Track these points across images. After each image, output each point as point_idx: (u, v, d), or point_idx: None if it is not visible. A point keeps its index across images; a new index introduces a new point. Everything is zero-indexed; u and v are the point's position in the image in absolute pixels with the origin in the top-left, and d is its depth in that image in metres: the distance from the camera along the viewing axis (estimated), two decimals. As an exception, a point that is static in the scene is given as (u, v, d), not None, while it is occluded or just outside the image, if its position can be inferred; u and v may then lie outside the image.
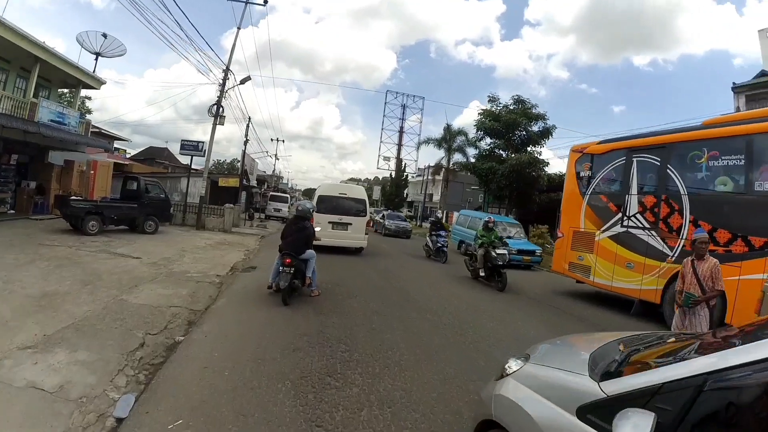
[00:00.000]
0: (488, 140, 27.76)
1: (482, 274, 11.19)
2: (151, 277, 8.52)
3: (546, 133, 27.27)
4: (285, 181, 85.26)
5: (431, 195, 65.85)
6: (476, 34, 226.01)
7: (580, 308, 9.78)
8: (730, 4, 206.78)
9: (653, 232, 8.81)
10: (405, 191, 47.95)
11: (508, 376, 2.49)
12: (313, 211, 9.02)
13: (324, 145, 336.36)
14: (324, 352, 5.12)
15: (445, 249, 15.28)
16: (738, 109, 29.15)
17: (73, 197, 15.16)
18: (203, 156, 18.60)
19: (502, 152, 26.98)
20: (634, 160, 9.48)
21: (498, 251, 10.72)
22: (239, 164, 27.58)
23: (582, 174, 10.80)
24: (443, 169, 36.25)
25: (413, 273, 12.38)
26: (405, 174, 48.91)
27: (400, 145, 56.55)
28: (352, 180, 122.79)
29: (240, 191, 22.41)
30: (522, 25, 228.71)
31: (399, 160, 50.95)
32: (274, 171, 55.33)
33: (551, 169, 27.19)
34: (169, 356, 4.72)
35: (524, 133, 27.10)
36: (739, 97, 29.67)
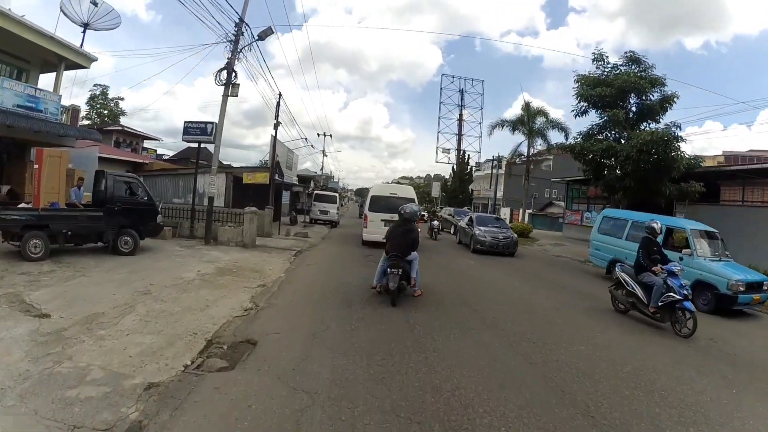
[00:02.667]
0: (592, 114, 20.87)
1: None
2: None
3: (667, 101, 20.14)
4: (336, 180, 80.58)
5: (479, 191, 59.05)
6: (521, 24, 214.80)
7: None
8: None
9: None
10: (470, 186, 41.38)
11: None
12: (419, 213, 8.55)
13: (374, 144, 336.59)
14: None
15: (688, 306, 6.84)
16: None
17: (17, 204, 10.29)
18: (214, 142, 13.27)
19: (612, 129, 20.01)
20: None
21: None
22: (278, 159, 22.07)
23: None
24: (522, 158, 29.64)
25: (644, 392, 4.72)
26: (469, 167, 42.32)
27: (460, 135, 50.03)
28: (404, 178, 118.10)
29: (271, 189, 17.03)
30: (567, 12, 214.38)
31: (461, 152, 44.41)
32: (322, 168, 50.38)
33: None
34: None
35: (640, 102, 20.14)
36: None
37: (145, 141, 36.54)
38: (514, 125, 29.03)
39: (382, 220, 14.59)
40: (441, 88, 51.54)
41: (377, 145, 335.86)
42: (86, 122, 37.88)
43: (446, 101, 51.33)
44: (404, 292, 7.55)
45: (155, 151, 35.82)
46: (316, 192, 27.59)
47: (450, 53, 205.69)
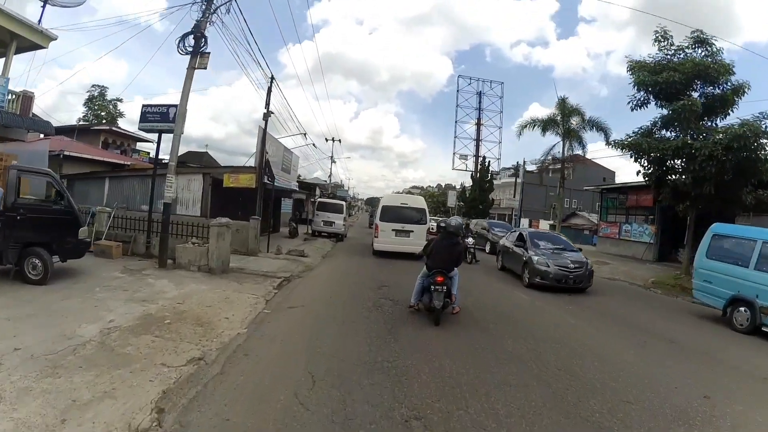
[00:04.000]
0: (652, 105, 17.27)
1: None
2: None
3: (736, 93, 16.54)
4: (346, 188, 77.26)
5: (500, 201, 55.10)
6: (531, 34, 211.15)
7: None
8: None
9: None
10: (491, 195, 37.75)
11: None
12: (463, 227, 8.90)
13: (384, 154, 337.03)
14: None
15: None
16: None
17: None
18: (174, 130, 9.94)
19: (680, 123, 16.35)
20: None
21: None
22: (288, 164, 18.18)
23: None
24: (556, 162, 26.08)
25: None
26: (490, 174, 38.73)
27: (478, 140, 46.61)
28: (414, 188, 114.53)
29: (259, 195, 13.60)
30: (578, 22, 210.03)
31: (482, 158, 40.79)
32: (330, 175, 47.15)
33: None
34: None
35: (710, 91, 16.54)
36: None
37: (138, 143, 33.65)
38: (545, 125, 25.53)
39: (393, 230, 15.01)
40: (457, 91, 48.18)
41: (388, 155, 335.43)
42: (84, 123, 35.18)
43: (463, 104, 47.98)
44: (446, 309, 7.01)
45: (148, 153, 32.75)
46: (319, 200, 23.71)
47: (460, 64, 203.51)
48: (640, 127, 17.01)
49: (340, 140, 45.02)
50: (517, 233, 13.97)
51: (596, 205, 51.57)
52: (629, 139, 16.21)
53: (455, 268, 7.25)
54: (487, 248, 20.30)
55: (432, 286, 6.71)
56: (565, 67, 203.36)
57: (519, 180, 32.67)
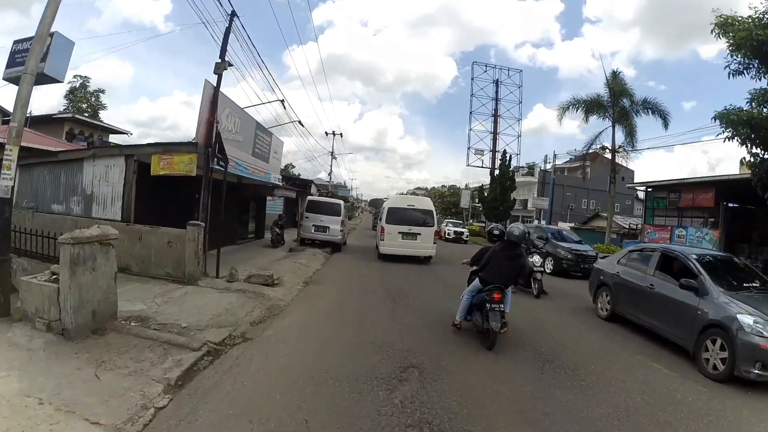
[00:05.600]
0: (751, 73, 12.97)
1: None
2: None
3: None
4: (349, 188, 73.02)
5: (525, 201, 50.73)
6: (536, 35, 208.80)
7: None
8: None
9: None
10: (512, 195, 33.31)
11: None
12: (527, 235, 8.13)
13: (388, 155, 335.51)
14: None
15: None
16: None
17: None
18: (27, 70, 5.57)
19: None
20: None
21: None
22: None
23: None
24: (606, 151, 21.74)
25: None
26: (512, 171, 34.31)
27: (495, 133, 42.26)
28: (419, 189, 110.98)
29: (204, 187, 8.92)
30: (582, 23, 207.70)
31: (502, 153, 36.24)
32: (330, 173, 42.88)
33: None
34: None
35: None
36: None
37: (111, 135, 29.60)
38: (589, 108, 21.19)
39: (399, 233, 14.70)
40: (472, 79, 43.88)
41: (392, 156, 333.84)
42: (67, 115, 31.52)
43: (478, 93, 43.69)
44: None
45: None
46: (309, 198, 18.70)
47: (465, 65, 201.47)
48: (751, 95, 12.57)
49: (341, 134, 40.68)
50: (657, 255, 7.40)
51: (619, 206, 47.69)
52: (748, 111, 11.65)
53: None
54: (549, 267, 14.34)
55: (488, 305, 5.86)
56: (569, 68, 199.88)
57: (545, 178, 28.23)
